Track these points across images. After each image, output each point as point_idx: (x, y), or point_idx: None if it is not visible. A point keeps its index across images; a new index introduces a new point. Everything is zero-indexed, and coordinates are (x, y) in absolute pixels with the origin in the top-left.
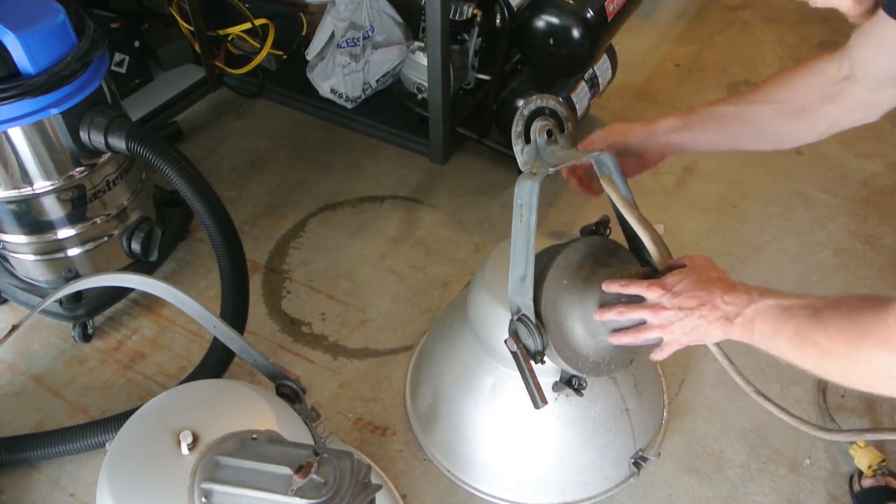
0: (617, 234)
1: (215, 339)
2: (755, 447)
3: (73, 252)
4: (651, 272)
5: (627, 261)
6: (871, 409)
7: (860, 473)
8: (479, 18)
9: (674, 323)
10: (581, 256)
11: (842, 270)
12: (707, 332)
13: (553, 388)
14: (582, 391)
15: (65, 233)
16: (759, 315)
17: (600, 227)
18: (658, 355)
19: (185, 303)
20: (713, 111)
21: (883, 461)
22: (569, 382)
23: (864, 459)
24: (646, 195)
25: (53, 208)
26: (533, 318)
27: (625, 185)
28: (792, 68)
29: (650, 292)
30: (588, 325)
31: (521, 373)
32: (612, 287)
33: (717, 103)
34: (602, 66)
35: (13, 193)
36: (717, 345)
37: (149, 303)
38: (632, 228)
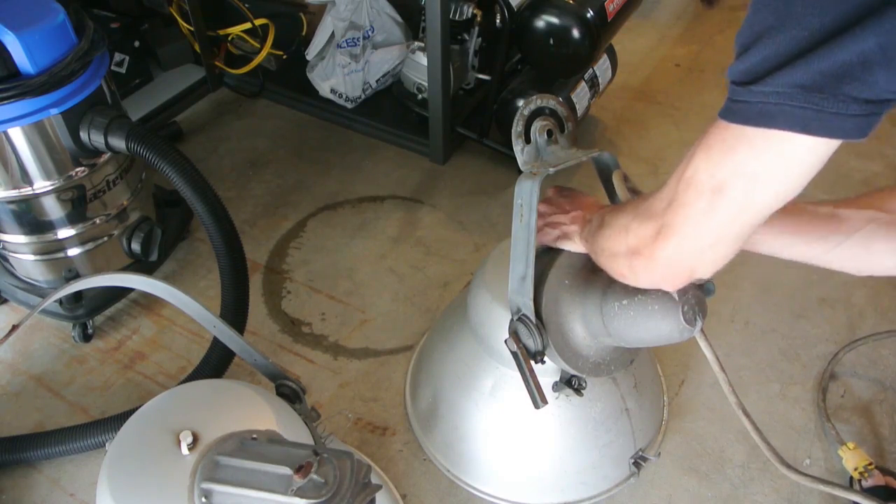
0: None
1: (215, 339)
2: (755, 447)
3: (73, 252)
4: None
5: None
6: (869, 410)
7: (860, 473)
8: (479, 18)
9: (550, 218)
10: (583, 257)
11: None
12: (568, 234)
13: (553, 388)
14: (582, 391)
15: (65, 233)
16: (599, 218)
17: None
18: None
19: (185, 303)
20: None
21: (870, 465)
22: (569, 382)
23: (851, 462)
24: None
25: (53, 208)
26: (533, 318)
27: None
28: None
29: (548, 201)
30: (589, 325)
31: (521, 373)
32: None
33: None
34: (602, 66)
35: (13, 193)
36: (713, 352)
37: (149, 303)
38: None
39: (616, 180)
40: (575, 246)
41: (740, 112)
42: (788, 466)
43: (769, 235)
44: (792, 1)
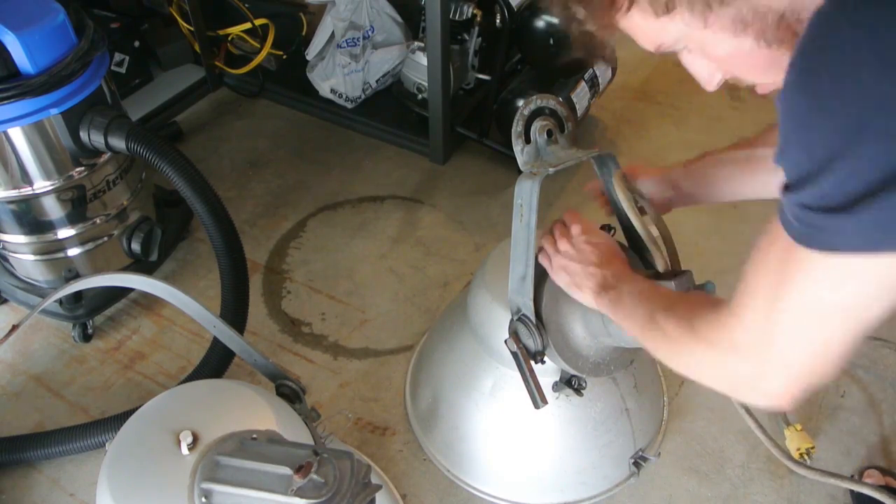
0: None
1: (215, 339)
2: (755, 447)
3: (73, 252)
4: (654, 274)
5: (630, 261)
6: (869, 410)
7: (860, 473)
8: (479, 18)
9: (561, 270)
10: None
11: None
12: (581, 286)
13: (553, 388)
14: (582, 391)
15: (65, 233)
16: (626, 296)
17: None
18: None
19: (185, 303)
20: (722, 157)
21: (812, 447)
22: (569, 382)
23: (794, 442)
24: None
25: (53, 208)
26: (533, 318)
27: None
28: None
29: (561, 238)
30: (589, 325)
31: (521, 373)
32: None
33: (723, 150)
34: (602, 66)
35: (13, 193)
36: None
37: (149, 303)
38: (634, 230)
39: (616, 180)
40: (585, 300)
41: (836, 243)
42: (794, 461)
43: (719, 190)
44: (865, 114)
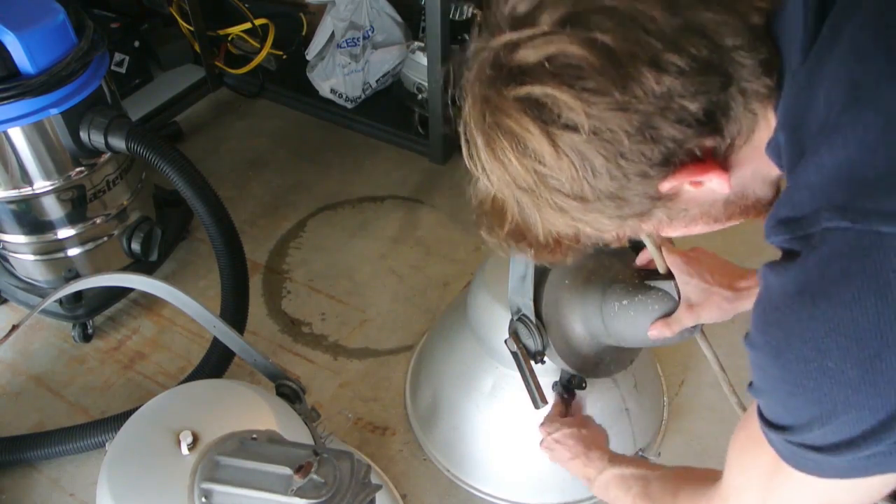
0: None
1: (215, 339)
2: None
3: (73, 252)
4: (652, 273)
5: (630, 261)
6: None
7: None
8: (479, 18)
9: (557, 459)
10: (583, 256)
11: None
12: (583, 479)
13: (553, 387)
14: (583, 388)
15: (65, 233)
16: (609, 483)
17: None
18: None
19: (185, 303)
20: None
21: None
22: (569, 382)
23: None
24: None
25: (53, 208)
26: (533, 318)
27: None
28: None
29: (542, 432)
30: (589, 325)
31: (521, 373)
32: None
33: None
34: None
35: (13, 193)
36: (713, 352)
37: (149, 303)
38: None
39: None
40: (557, 462)
41: (829, 470)
42: None
43: None
44: (837, 393)
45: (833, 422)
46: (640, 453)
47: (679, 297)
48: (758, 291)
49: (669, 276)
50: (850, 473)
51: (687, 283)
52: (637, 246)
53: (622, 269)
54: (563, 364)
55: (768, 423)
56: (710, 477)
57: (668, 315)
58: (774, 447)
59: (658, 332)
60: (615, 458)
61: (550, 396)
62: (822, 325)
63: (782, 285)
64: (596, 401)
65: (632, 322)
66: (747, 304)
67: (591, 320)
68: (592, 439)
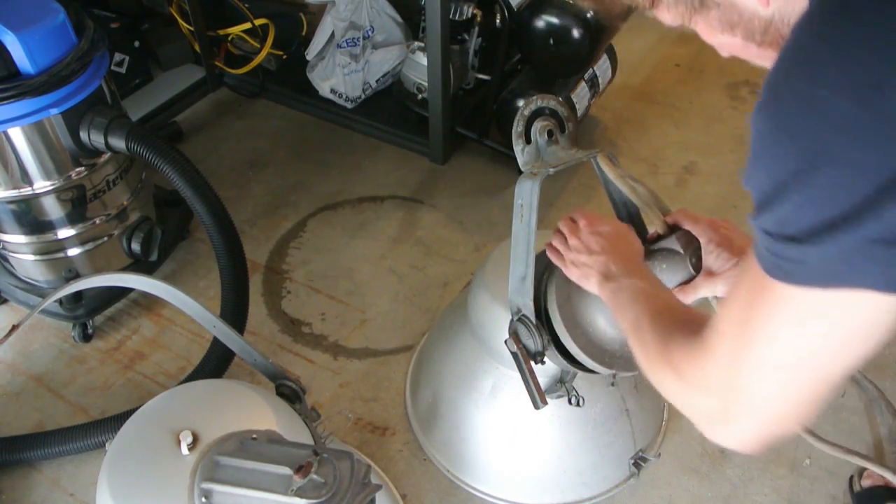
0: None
1: (215, 339)
2: None
3: (73, 252)
4: (656, 238)
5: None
6: (870, 410)
7: (860, 473)
8: (479, 18)
9: (568, 256)
10: None
11: None
12: (588, 276)
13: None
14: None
15: (65, 233)
16: (624, 291)
17: None
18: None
19: (185, 303)
20: None
21: None
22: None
23: None
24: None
25: (53, 208)
26: (533, 318)
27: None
28: None
29: (565, 226)
30: (607, 314)
31: (521, 373)
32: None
33: None
34: (602, 66)
35: (13, 193)
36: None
37: (149, 303)
38: (627, 209)
39: (601, 159)
40: (592, 289)
41: (800, 274)
42: (817, 437)
43: None
44: (819, 138)
45: (809, 182)
46: (641, 453)
47: (684, 250)
48: None
49: (670, 233)
50: (825, 278)
51: (710, 252)
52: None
53: None
54: (592, 363)
55: (762, 219)
56: (698, 327)
57: (678, 274)
58: (758, 255)
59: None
60: (644, 273)
61: (550, 397)
62: (828, 44)
63: (799, 20)
64: (596, 401)
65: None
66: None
67: (607, 310)
68: (623, 241)
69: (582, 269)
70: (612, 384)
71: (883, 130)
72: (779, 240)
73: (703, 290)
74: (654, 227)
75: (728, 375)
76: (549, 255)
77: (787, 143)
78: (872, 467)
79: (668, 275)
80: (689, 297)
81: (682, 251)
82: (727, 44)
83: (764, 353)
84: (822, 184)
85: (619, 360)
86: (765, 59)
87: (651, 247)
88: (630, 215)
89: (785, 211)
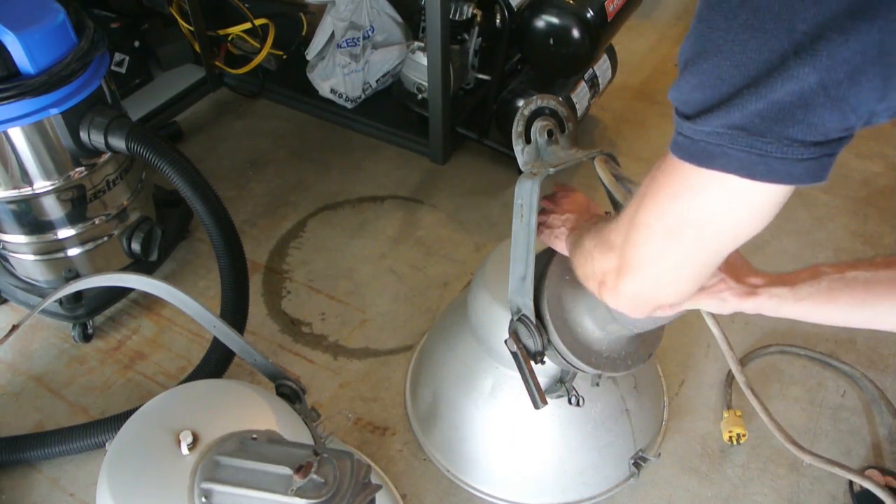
0: None
1: (215, 339)
2: (755, 447)
3: (73, 252)
4: None
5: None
6: (868, 410)
7: (860, 473)
8: (479, 18)
9: (548, 217)
10: None
11: None
12: (559, 236)
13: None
14: (571, 400)
15: (65, 233)
16: (583, 233)
17: None
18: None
19: (185, 303)
20: (847, 277)
21: (744, 434)
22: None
23: (728, 425)
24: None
25: (53, 208)
26: (533, 318)
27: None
28: None
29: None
30: (595, 315)
31: (521, 373)
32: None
33: (842, 268)
34: (602, 66)
35: (13, 193)
36: (720, 329)
37: (149, 303)
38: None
39: (598, 165)
40: (562, 248)
41: (685, 148)
42: (801, 448)
43: (846, 317)
44: (714, 26)
45: (705, 66)
46: (641, 453)
47: None
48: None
49: None
50: (701, 156)
51: None
52: None
53: None
54: (579, 363)
55: (672, 90)
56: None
57: None
58: (674, 139)
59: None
60: (599, 220)
61: (550, 397)
62: None
63: None
64: (596, 401)
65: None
66: (749, 305)
67: (595, 309)
68: (586, 201)
69: (553, 229)
70: (597, 384)
71: (753, 25)
72: (680, 116)
73: (688, 303)
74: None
75: (625, 234)
76: (539, 233)
77: (697, 26)
78: (856, 479)
79: None
80: (673, 309)
81: None
82: None
83: (651, 215)
84: (707, 67)
85: (605, 360)
86: None
87: None
88: None
89: (684, 87)
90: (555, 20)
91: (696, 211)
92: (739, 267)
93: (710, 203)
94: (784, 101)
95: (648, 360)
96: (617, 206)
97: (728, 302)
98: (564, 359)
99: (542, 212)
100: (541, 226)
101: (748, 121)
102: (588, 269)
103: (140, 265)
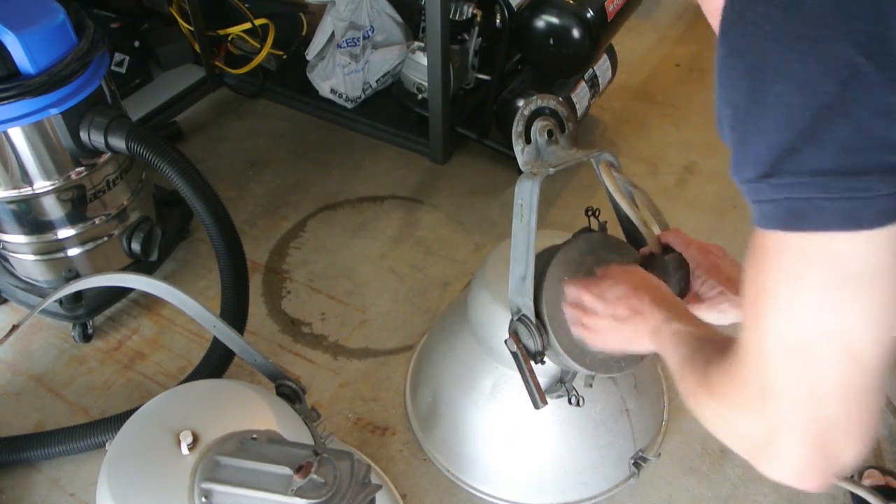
0: (616, 231)
1: (215, 339)
2: None
3: (73, 252)
4: (648, 259)
5: (629, 255)
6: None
7: (860, 473)
8: (479, 18)
9: (606, 331)
10: (580, 253)
11: None
12: (639, 343)
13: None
14: (571, 400)
15: (65, 233)
16: (669, 336)
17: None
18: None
19: (185, 303)
20: None
21: None
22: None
23: None
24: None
25: (53, 208)
26: (533, 318)
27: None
28: None
29: (585, 296)
30: None
31: (520, 373)
32: (568, 285)
33: None
34: (602, 66)
35: (13, 193)
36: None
37: (149, 303)
38: (627, 220)
39: (602, 168)
40: (613, 345)
41: (771, 215)
42: None
43: None
44: (759, 49)
45: (767, 96)
46: (641, 453)
47: (673, 274)
48: None
49: (662, 254)
50: (787, 216)
51: (698, 277)
52: (635, 240)
53: (619, 261)
54: (572, 363)
55: (732, 164)
56: (729, 348)
57: None
58: (750, 206)
59: None
60: (672, 313)
61: (550, 397)
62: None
63: None
64: (596, 401)
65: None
66: None
67: None
68: (646, 288)
69: (625, 343)
70: (590, 385)
71: (811, 37)
72: (753, 181)
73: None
74: (648, 242)
75: (756, 373)
76: (575, 331)
77: (738, 64)
78: (853, 489)
79: None
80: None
81: (671, 274)
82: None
83: (777, 326)
84: (773, 101)
85: (599, 362)
86: None
87: (640, 266)
88: (633, 226)
89: (754, 144)
90: (555, 20)
91: (827, 293)
92: (738, 279)
93: (840, 274)
94: (868, 119)
95: (642, 361)
96: (619, 213)
97: (727, 314)
98: (560, 359)
99: (575, 304)
100: (577, 325)
101: (832, 159)
102: (703, 416)
103: (140, 265)
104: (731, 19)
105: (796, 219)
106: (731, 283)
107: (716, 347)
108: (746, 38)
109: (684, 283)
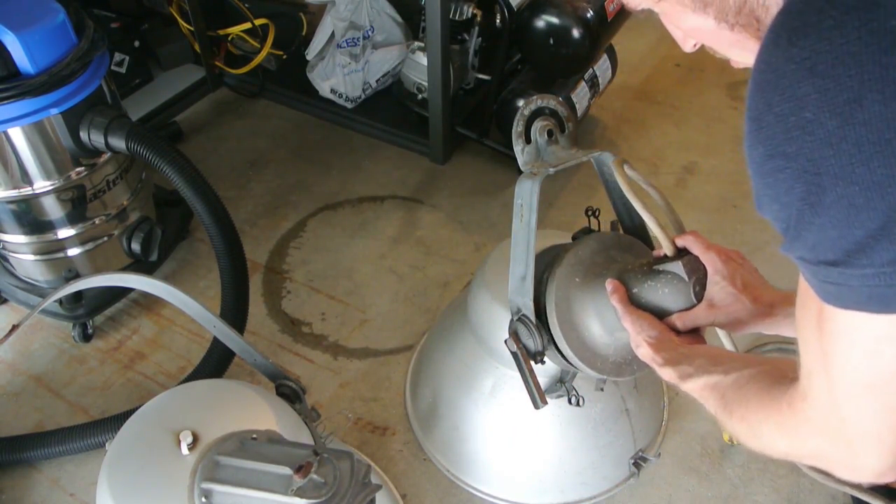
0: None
1: (215, 339)
2: None
3: (73, 252)
4: (662, 258)
5: (642, 255)
6: None
7: None
8: (479, 18)
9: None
10: (592, 252)
11: None
12: (668, 377)
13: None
14: (571, 400)
15: (65, 233)
16: (700, 386)
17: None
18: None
19: (185, 303)
20: None
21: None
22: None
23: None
24: (646, 195)
25: (53, 208)
26: (533, 318)
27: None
28: None
29: (625, 323)
30: (604, 320)
31: (520, 373)
32: (610, 287)
33: None
34: (602, 66)
35: (13, 193)
36: (731, 341)
37: (149, 303)
38: (631, 222)
39: (615, 168)
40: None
41: (850, 298)
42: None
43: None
44: (813, 156)
45: (826, 200)
46: (640, 453)
47: (688, 278)
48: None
49: (678, 257)
50: (875, 302)
51: (715, 283)
52: (640, 234)
53: (632, 261)
54: (584, 367)
55: (790, 247)
56: (786, 377)
57: (679, 301)
58: (807, 280)
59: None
60: (706, 362)
61: (550, 397)
62: (799, 66)
63: (763, 42)
64: (596, 401)
65: (644, 307)
66: (763, 326)
67: (605, 315)
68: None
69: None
70: (601, 389)
71: (874, 141)
72: (817, 264)
73: (701, 320)
74: (662, 244)
75: (830, 409)
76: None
77: (785, 167)
78: (853, 489)
79: (669, 299)
80: (686, 325)
81: (686, 278)
82: (697, 28)
83: (851, 377)
84: (834, 203)
85: (611, 365)
86: (736, 47)
87: (656, 266)
88: (635, 227)
89: (812, 236)
90: (555, 20)
91: (887, 353)
92: (755, 287)
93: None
94: None
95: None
96: (621, 213)
97: (745, 323)
98: (570, 362)
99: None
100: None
101: None
102: (769, 444)
103: (140, 265)
104: (770, 120)
105: (880, 304)
106: (748, 289)
107: (764, 384)
108: (793, 142)
109: (699, 287)
